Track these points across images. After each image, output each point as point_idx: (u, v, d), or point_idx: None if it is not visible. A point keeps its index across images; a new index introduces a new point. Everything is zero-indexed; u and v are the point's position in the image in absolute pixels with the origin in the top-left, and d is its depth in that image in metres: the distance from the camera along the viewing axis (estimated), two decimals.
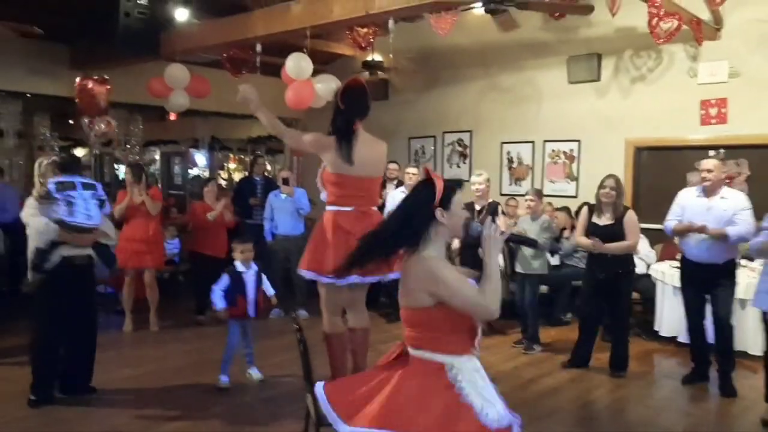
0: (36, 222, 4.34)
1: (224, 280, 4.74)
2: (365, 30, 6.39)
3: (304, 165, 10.68)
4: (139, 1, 6.81)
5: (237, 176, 12.77)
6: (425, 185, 2.31)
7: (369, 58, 8.78)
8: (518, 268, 6.01)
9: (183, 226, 8.33)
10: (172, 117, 8.34)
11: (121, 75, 8.33)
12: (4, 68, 7.82)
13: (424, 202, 2.27)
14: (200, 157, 14.03)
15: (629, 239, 5.12)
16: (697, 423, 4.39)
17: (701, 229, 4.82)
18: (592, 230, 5.25)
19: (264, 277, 4.96)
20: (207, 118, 11.28)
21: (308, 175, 9.82)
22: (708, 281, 4.92)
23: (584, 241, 5.30)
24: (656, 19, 6.04)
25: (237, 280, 4.76)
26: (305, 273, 3.50)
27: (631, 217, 5.16)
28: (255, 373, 5.01)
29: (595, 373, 5.29)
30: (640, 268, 6.44)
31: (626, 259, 5.20)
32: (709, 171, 4.98)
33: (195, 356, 5.71)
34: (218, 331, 6.50)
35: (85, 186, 4.39)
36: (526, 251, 5.85)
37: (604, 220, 5.22)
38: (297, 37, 6.58)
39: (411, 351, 2.30)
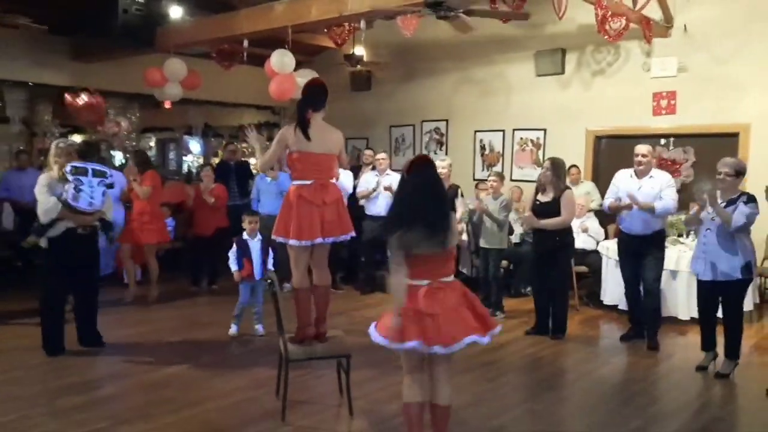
0: (44, 199, 4.92)
1: (234, 248, 5.63)
2: (341, 28, 7.01)
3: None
4: None
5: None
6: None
7: (351, 52, 9.38)
8: (482, 243, 6.68)
9: (177, 207, 8.98)
10: (167, 105, 8.94)
11: (119, 66, 8.95)
12: (9, 59, 8.41)
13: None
14: (194, 144, 14.64)
15: (564, 216, 5.79)
16: (613, 369, 5.11)
17: (630, 207, 5.50)
18: (535, 207, 5.93)
19: (271, 253, 5.73)
20: (200, 106, 11.88)
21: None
22: (640, 251, 5.60)
23: (527, 216, 5.98)
24: (604, 19, 6.69)
25: (243, 246, 5.66)
26: (277, 239, 4.16)
27: (567, 196, 5.80)
28: (259, 329, 5.78)
29: (540, 336, 5.94)
30: (589, 245, 7.15)
31: (562, 233, 5.84)
32: (644, 156, 5.66)
33: (188, 319, 6.38)
34: (209, 300, 7.25)
35: (96, 173, 4.99)
36: (489, 228, 6.52)
37: (545, 197, 5.88)
38: (282, 32, 7.20)
39: (448, 279, 3.15)
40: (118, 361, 5.04)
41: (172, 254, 8.44)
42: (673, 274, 6.24)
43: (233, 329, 5.75)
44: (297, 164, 4.09)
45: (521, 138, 9.19)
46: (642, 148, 5.72)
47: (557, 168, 5.89)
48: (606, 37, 6.89)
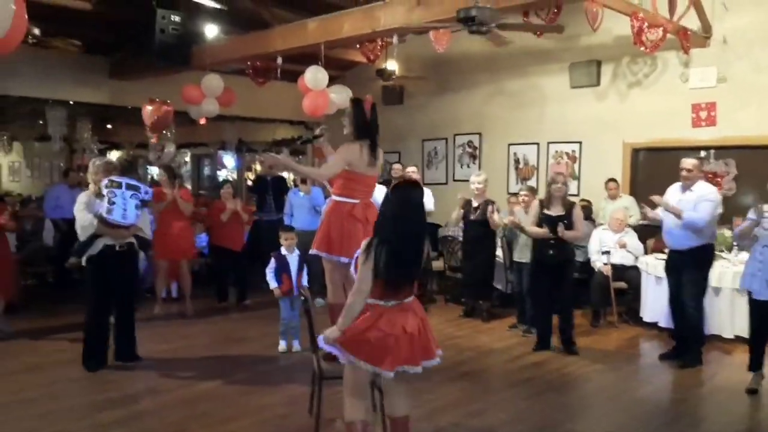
0: (82, 216, 5.03)
1: (272, 262, 5.67)
2: (373, 44, 7.04)
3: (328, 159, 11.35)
4: (173, 19, 7.54)
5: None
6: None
7: (383, 66, 9.41)
8: (516, 258, 6.60)
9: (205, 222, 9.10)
10: (202, 121, 9.07)
11: (155, 83, 9.11)
12: (50, 79, 8.64)
13: None
14: (228, 159, 14.85)
15: (581, 229, 5.82)
16: (656, 390, 4.95)
17: (653, 205, 5.55)
18: (545, 219, 5.84)
19: (305, 269, 5.76)
20: (234, 122, 12.04)
21: None
22: (677, 267, 5.46)
23: (535, 229, 5.89)
24: (641, 30, 6.58)
25: (282, 262, 5.70)
26: (317, 252, 4.16)
27: (578, 209, 5.88)
28: (294, 345, 5.78)
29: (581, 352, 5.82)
30: (628, 260, 6.99)
31: (569, 248, 5.84)
32: (688, 170, 5.51)
33: (221, 335, 6.41)
34: (241, 315, 7.28)
35: (129, 187, 5.07)
36: (523, 241, 6.44)
37: (554, 211, 5.82)
38: (315, 48, 7.26)
39: (410, 300, 3.15)
40: (155, 376, 5.09)
41: (206, 269, 8.52)
42: (716, 290, 6.04)
43: (282, 345, 5.77)
44: (351, 183, 4.11)
45: (556, 151, 9.07)
46: (687, 162, 5.58)
47: (567, 184, 6.07)
48: (642, 48, 6.80)
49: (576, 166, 8.88)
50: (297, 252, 5.80)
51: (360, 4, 6.61)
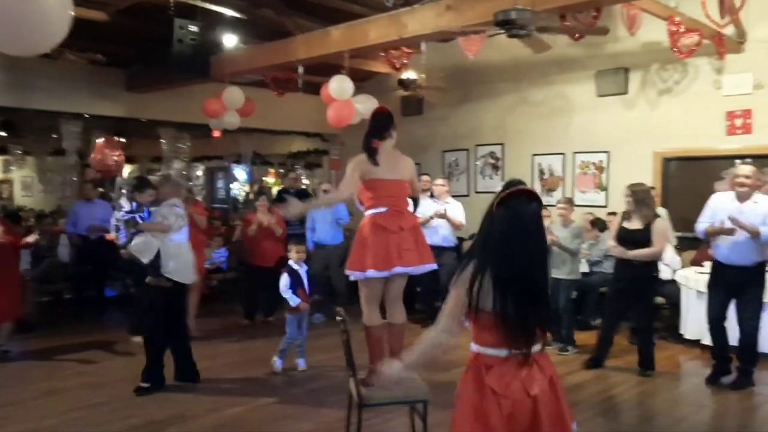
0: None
1: (285, 277, 5.44)
2: (399, 52, 6.83)
3: (342, 178, 11.14)
4: (190, 29, 7.37)
5: (275, 190, 13.36)
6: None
7: (404, 76, 9.21)
8: (552, 274, 6.32)
9: (228, 237, 8.88)
10: (217, 134, 8.89)
11: (172, 95, 8.95)
12: (67, 91, 8.48)
13: None
14: (240, 172, 14.67)
15: (655, 245, 5.39)
16: (713, 415, 4.65)
17: (731, 231, 4.98)
18: (621, 234, 5.54)
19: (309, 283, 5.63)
20: (249, 135, 11.86)
21: None
22: (736, 283, 5.10)
23: (611, 244, 5.60)
24: (677, 35, 6.36)
25: (295, 275, 5.49)
26: (350, 274, 3.93)
27: (659, 225, 5.42)
28: (300, 364, 5.59)
29: (619, 372, 5.55)
30: (665, 274, 6.68)
31: (649, 265, 5.45)
32: (747, 177, 5.14)
33: (246, 355, 6.17)
34: (265, 334, 7.02)
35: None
36: (559, 257, 6.17)
37: (632, 225, 5.51)
38: (336, 58, 7.06)
39: (535, 348, 2.28)
40: (182, 400, 4.85)
41: (226, 285, 8.29)
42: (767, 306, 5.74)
43: (278, 364, 5.54)
44: (370, 192, 3.89)
45: (582, 161, 8.81)
46: (744, 169, 5.23)
47: (638, 195, 5.55)
48: (678, 54, 6.57)
49: (604, 176, 8.61)
50: (305, 266, 5.64)
51: (385, 11, 6.41)
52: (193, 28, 7.28)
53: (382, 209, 3.87)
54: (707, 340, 5.93)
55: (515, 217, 2.22)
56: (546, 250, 2.36)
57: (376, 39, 6.27)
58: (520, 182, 2.31)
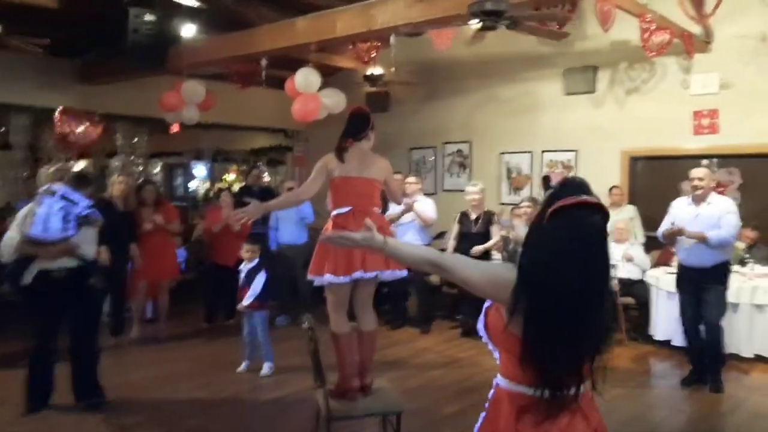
0: (8, 234, 4.32)
1: (244, 277, 5.37)
2: (367, 45, 6.60)
3: (307, 175, 10.86)
4: (146, 18, 7.01)
5: (236, 187, 12.99)
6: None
7: (369, 72, 8.97)
8: None
9: (187, 237, 8.52)
10: (174, 129, 8.52)
11: (127, 88, 8.54)
12: (14, 82, 8.02)
13: None
14: (200, 169, 14.25)
15: None
16: (688, 420, 4.56)
17: (681, 232, 5.04)
18: None
19: (257, 280, 5.35)
20: (209, 130, 11.48)
21: None
22: (699, 284, 5.10)
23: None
24: (648, 33, 6.29)
25: (248, 275, 5.37)
26: (313, 279, 3.71)
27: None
28: (265, 369, 5.38)
29: None
30: (634, 274, 6.64)
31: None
32: (700, 179, 5.18)
33: (204, 360, 5.87)
34: (225, 337, 6.72)
35: (65, 198, 4.28)
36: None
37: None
38: (301, 51, 6.79)
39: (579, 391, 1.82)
40: (124, 416, 4.42)
41: (184, 287, 7.93)
42: (734, 307, 5.71)
43: (242, 365, 5.45)
44: (335, 191, 3.69)
45: (551, 160, 8.73)
46: (698, 172, 5.26)
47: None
48: (648, 52, 6.50)
49: (572, 175, 8.53)
50: (252, 265, 5.43)
51: (353, 2, 6.17)
52: (150, 17, 6.93)
53: (346, 209, 3.66)
54: (678, 341, 5.90)
55: (576, 232, 1.74)
56: (609, 275, 1.86)
57: (345, 31, 6.02)
58: (582, 183, 1.83)
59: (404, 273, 3.86)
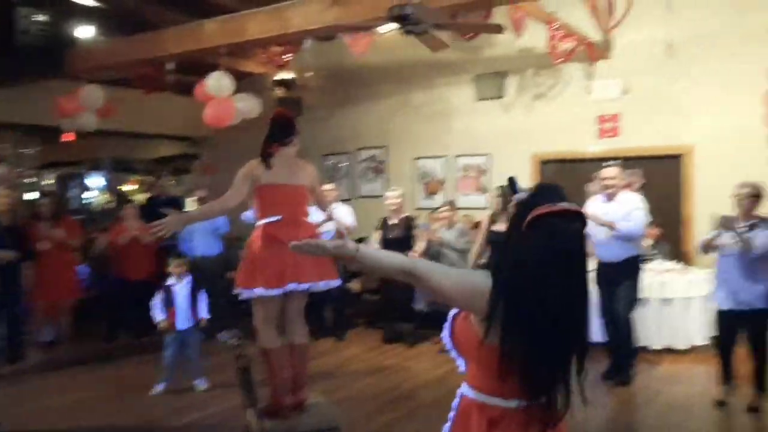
0: None
1: (159, 294, 5.04)
2: (281, 48, 6.43)
3: (217, 183, 10.45)
4: (37, 18, 6.51)
5: (138, 198, 12.34)
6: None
7: (279, 77, 8.79)
8: None
9: (86, 251, 7.97)
10: (68, 137, 7.93)
11: (17, 93, 7.88)
12: None
13: None
14: (97, 179, 13.41)
15: None
16: (609, 413, 4.72)
17: (593, 218, 5.13)
18: (491, 237, 5.55)
19: (201, 298, 5.13)
20: (109, 138, 10.83)
21: (221, 193, 9.65)
22: (613, 279, 5.30)
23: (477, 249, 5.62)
24: (555, 40, 6.51)
25: (167, 292, 5.04)
26: (240, 292, 3.51)
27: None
28: (200, 384, 5.12)
29: None
30: None
31: None
32: (611, 178, 5.40)
33: (113, 384, 5.46)
34: (135, 357, 6.30)
35: None
36: (450, 259, 6.06)
37: (501, 227, 5.53)
38: (208, 55, 6.52)
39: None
40: None
41: (87, 306, 7.39)
42: (645, 301, 5.97)
43: (158, 387, 5.06)
44: (262, 200, 3.51)
45: (464, 164, 8.86)
46: (609, 171, 5.50)
47: (506, 197, 5.60)
48: (555, 58, 6.74)
49: (485, 179, 8.71)
50: (187, 281, 5.14)
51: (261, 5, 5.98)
52: (41, 18, 6.45)
53: (276, 218, 3.50)
54: (596, 337, 6.09)
55: (558, 242, 1.68)
56: (588, 280, 1.77)
57: (257, 34, 5.84)
58: (557, 188, 1.78)
59: (338, 283, 3.74)
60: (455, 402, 1.92)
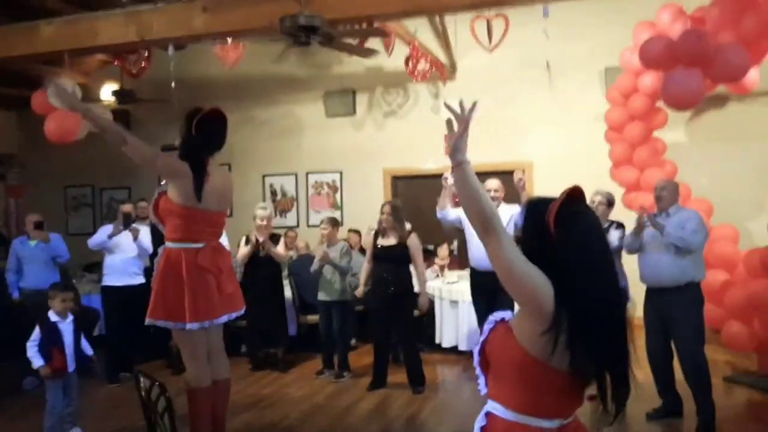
0: None
1: (36, 332, 4.27)
2: (136, 56, 5.85)
3: (24, 207, 9.13)
4: None
5: None
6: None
7: (113, 88, 8.01)
8: (320, 297, 5.99)
9: None
10: None
11: None
12: None
13: None
14: None
15: (417, 261, 5.58)
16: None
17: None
18: (377, 252, 5.56)
19: (82, 335, 4.48)
20: None
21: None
22: (490, 289, 5.47)
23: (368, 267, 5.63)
24: (415, 60, 6.73)
25: (51, 331, 4.30)
26: (158, 323, 3.06)
27: (414, 240, 5.60)
28: None
29: (397, 390, 5.49)
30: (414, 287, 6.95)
31: (407, 283, 5.59)
32: (495, 190, 5.60)
33: None
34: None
35: None
36: (329, 278, 5.90)
37: (388, 241, 5.57)
38: (31, 66, 5.73)
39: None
40: None
41: None
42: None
43: None
44: (183, 221, 3.10)
45: (316, 181, 8.78)
46: (493, 183, 5.68)
47: (397, 211, 5.67)
48: (415, 78, 6.97)
49: (338, 195, 8.71)
50: (71, 317, 4.45)
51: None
52: None
53: (199, 245, 3.12)
54: (463, 346, 6.34)
55: (590, 236, 1.68)
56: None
57: (110, 39, 5.26)
58: (542, 197, 1.79)
59: (242, 312, 3.43)
60: (480, 423, 1.83)
